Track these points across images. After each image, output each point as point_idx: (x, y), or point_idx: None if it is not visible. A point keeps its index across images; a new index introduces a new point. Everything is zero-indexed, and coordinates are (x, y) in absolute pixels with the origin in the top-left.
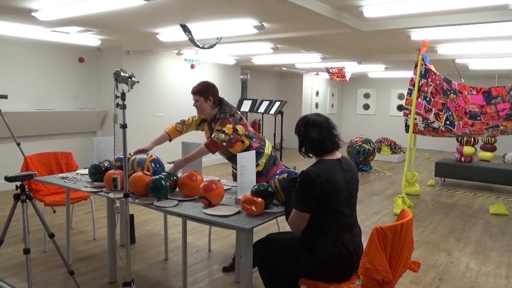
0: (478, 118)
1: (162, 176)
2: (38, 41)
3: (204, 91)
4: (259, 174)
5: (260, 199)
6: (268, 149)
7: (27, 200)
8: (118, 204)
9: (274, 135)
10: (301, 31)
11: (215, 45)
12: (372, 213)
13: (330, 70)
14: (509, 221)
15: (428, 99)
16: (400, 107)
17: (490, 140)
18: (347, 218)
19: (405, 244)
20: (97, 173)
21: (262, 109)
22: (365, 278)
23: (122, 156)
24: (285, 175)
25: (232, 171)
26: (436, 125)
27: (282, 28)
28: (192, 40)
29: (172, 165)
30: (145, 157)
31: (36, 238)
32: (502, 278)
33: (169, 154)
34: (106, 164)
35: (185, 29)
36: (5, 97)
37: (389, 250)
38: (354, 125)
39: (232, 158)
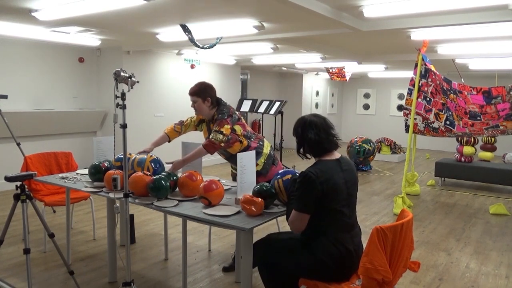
0: (478, 118)
1: (162, 176)
2: (38, 41)
3: (202, 92)
4: (258, 174)
5: (259, 199)
6: (266, 148)
7: (27, 200)
8: (118, 204)
9: (274, 135)
10: (301, 31)
11: (215, 45)
12: (372, 213)
13: (330, 70)
14: (509, 221)
15: (428, 99)
16: (400, 107)
17: (490, 140)
18: (346, 218)
19: (405, 244)
20: (97, 173)
21: (262, 109)
22: (365, 278)
23: (122, 156)
24: (289, 176)
25: (231, 171)
26: (436, 125)
27: (282, 28)
28: (192, 40)
29: (170, 165)
30: (145, 157)
31: (36, 238)
32: (502, 278)
33: (169, 154)
34: (106, 164)
35: (185, 29)
36: (5, 97)
37: (389, 250)
38: (354, 125)
39: (231, 158)
